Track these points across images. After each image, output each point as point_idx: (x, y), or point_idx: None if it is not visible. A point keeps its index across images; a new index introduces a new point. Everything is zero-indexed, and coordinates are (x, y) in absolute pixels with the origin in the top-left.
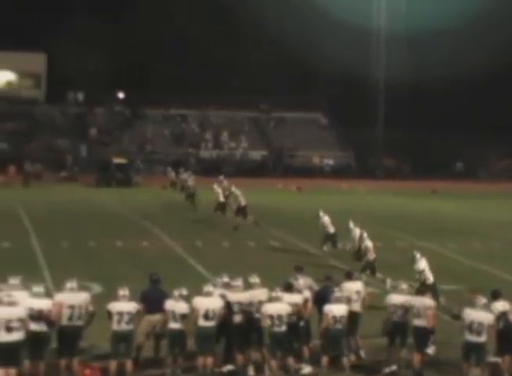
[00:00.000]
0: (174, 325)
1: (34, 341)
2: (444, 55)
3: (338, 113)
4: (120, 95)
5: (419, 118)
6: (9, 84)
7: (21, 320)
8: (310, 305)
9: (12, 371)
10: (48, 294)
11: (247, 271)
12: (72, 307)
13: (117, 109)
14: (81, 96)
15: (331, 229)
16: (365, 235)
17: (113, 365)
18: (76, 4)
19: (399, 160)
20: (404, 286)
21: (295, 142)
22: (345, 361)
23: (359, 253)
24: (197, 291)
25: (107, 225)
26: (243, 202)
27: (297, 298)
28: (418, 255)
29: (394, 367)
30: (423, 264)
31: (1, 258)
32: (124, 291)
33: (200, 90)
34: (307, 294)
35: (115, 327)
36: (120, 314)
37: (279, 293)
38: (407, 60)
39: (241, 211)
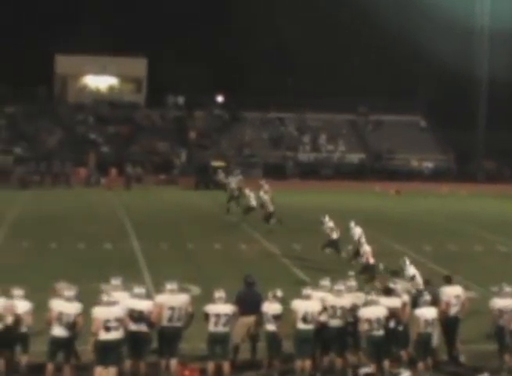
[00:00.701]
0: (269, 327)
1: (135, 341)
2: None
3: (438, 116)
4: (220, 98)
5: None
6: (111, 88)
7: (119, 320)
8: (408, 309)
9: (113, 369)
10: (149, 296)
11: (344, 274)
12: (172, 308)
13: (216, 112)
14: (180, 100)
15: (334, 235)
16: (363, 240)
17: (210, 366)
18: (175, 8)
19: (500, 163)
20: (508, 289)
21: (393, 145)
22: (429, 361)
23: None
24: (296, 294)
25: (205, 227)
26: (270, 208)
27: (395, 302)
28: (408, 262)
29: (485, 375)
30: (412, 270)
31: (103, 260)
32: (220, 293)
33: (298, 93)
34: (405, 298)
35: (212, 328)
36: (218, 316)
37: (374, 296)
38: (510, 60)
39: (268, 216)
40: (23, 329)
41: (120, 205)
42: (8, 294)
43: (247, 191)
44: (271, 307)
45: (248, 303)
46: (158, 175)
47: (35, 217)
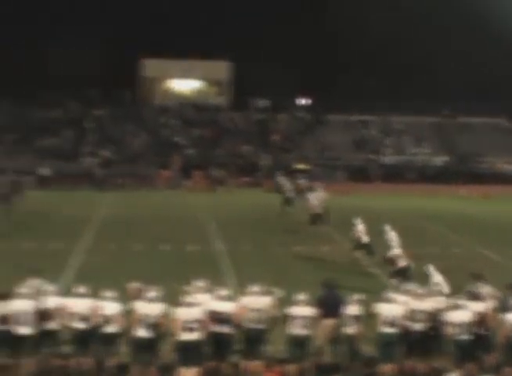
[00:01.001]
0: (348, 330)
1: (218, 343)
2: None
3: None
4: (303, 101)
5: None
6: (196, 91)
7: (199, 321)
8: (494, 313)
9: (195, 370)
10: (233, 297)
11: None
12: (255, 310)
13: (299, 115)
14: (264, 103)
15: (365, 239)
16: (393, 243)
17: (292, 368)
18: (260, 12)
19: None
20: None
21: (479, 148)
22: None
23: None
24: (379, 297)
25: (288, 229)
26: (316, 210)
27: (480, 307)
28: (431, 268)
29: None
30: (438, 277)
31: (187, 261)
32: (301, 296)
33: (382, 95)
34: (491, 302)
35: (292, 330)
36: (299, 318)
37: (461, 301)
38: None
39: (316, 218)
40: (111, 330)
41: (204, 207)
42: (97, 295)
43: (309, 195)
44: (351, 310)
45: (329, 306)
46: (242, 177)
47: (121, 219)
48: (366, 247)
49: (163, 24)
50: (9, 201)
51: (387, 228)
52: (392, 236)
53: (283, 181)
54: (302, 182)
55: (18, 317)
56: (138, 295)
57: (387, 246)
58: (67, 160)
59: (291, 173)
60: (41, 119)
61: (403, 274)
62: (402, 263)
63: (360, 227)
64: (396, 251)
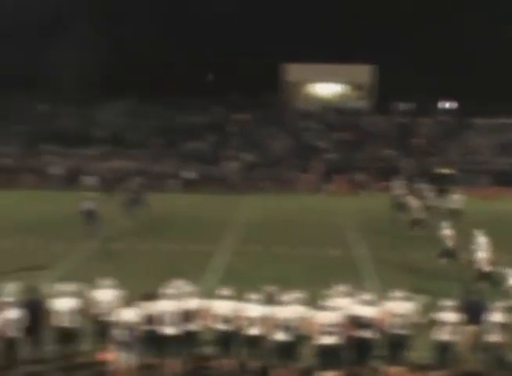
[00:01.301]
0: (491, 337)
1: (358, 347)
2: None
3: None
4: (448, 104)
5: None
6: (338, 95)
7: (338, 325)
8: None
9: (334, 373)
10: (375, 302)
11: None
12: (398, 316)
13: (443, 119)
14: (407, 106)
15: (449, 243)
16: (480, 247)
17: (437, 375)
18: (402, 15)
19: None
20: None
21: None
22: None
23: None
24: None
25: (428, 233)
26: (416, 215)
27: None
28: (509, 272)
29: None
30: None
31: (329, 265)
32: (449, 302)
33: None
34: None
35: (438, 336)
36: (443, 324)
37: None
38: None
39: (416, 223)
40: (254, 332)
41: (346, 211)
42: (240, 298)
43: (410, 200)
44: (495, 317)
45: (472, 312)
46: (383, 181)
47: (262, 222)
48: (450, 253)
49: (305, 29)
50: (132, 205)
51: (477, 233)
52: (481, 241)
53: (397, 185)
54: (421, 186)
55: (163, 317)
56: (273, 299)
57: (474, 250)
58: (210, 164)
59: (431, 177)
60: (186, 124)
61: (488, 279)
62: (486, 267)
63: (446, 232)
64: (481, 255)
